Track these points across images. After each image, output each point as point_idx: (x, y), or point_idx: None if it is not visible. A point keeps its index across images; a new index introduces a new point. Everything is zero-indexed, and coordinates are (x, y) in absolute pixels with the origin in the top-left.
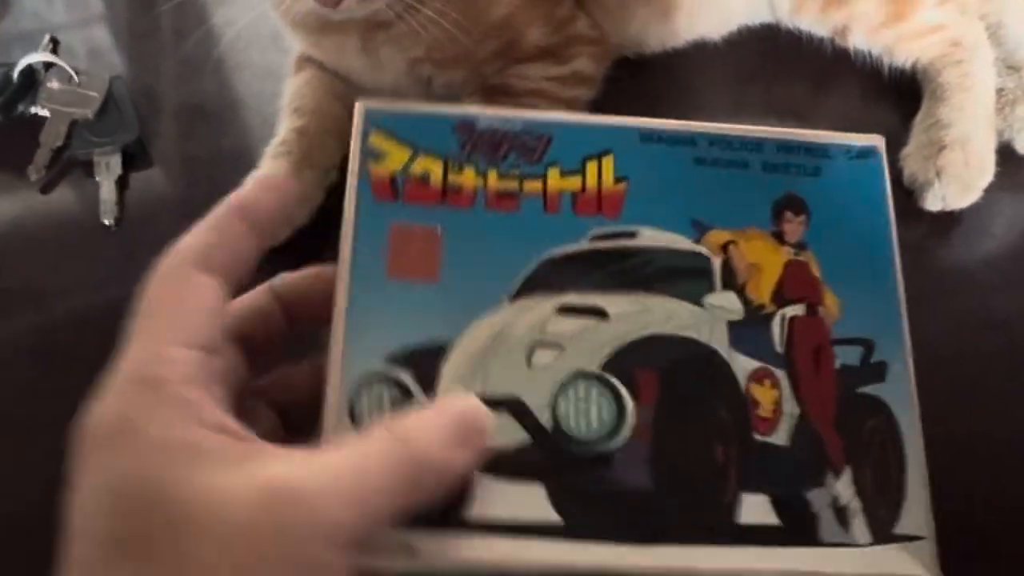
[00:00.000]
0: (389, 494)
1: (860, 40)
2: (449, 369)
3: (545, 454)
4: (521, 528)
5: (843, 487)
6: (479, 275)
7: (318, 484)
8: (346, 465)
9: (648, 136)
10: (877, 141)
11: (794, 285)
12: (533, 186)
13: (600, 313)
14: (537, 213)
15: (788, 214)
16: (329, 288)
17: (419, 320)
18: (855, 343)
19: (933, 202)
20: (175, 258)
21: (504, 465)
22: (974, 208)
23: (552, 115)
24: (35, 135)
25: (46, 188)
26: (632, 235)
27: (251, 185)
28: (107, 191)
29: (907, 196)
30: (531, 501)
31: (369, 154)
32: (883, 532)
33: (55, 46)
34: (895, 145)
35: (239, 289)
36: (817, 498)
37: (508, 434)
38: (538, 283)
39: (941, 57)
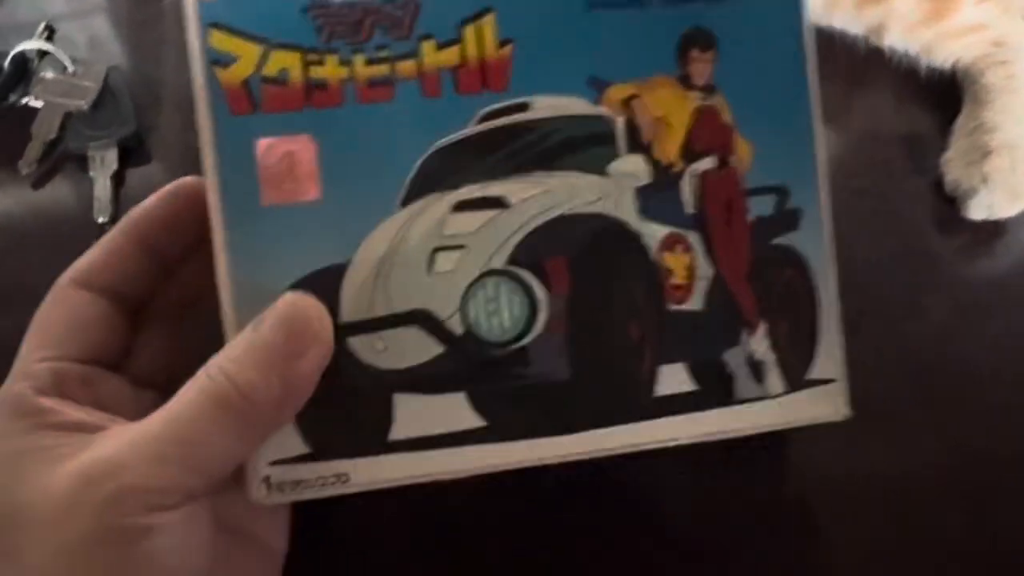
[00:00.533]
0: (217, 437)
1: (897, 39)
2: (348, 292)
3: (461, 362)
4: (446, 438)
5: (757, 343)
6: (363, 183)
7: (133, 451)
8: (163, 424)
9: None
10: None
11: (704, 136)
12: (406, 67)
13: (500, 203)
14: (415, 99)
15: (695, 51)
16: (188, 208)
17: (307, 245)
18: (769, 192)
19: (978, 210)
20: (61, 278)
21: (421, 380)
22: (1020, 218)
23: None
24: (27, 127)
25: (37, 183)
26: (524, 107)
27: (151, 197)
28: (101, 187)
29: (948, 204)
30: (453, 411)
31: (214, 59)
32: (796, 380)
33: (51, 34)
34: (932, 149)
35: (139, 301)
36: (733, 357)
37: (421, 348)
38: (429, 180)
39: (983, 58)
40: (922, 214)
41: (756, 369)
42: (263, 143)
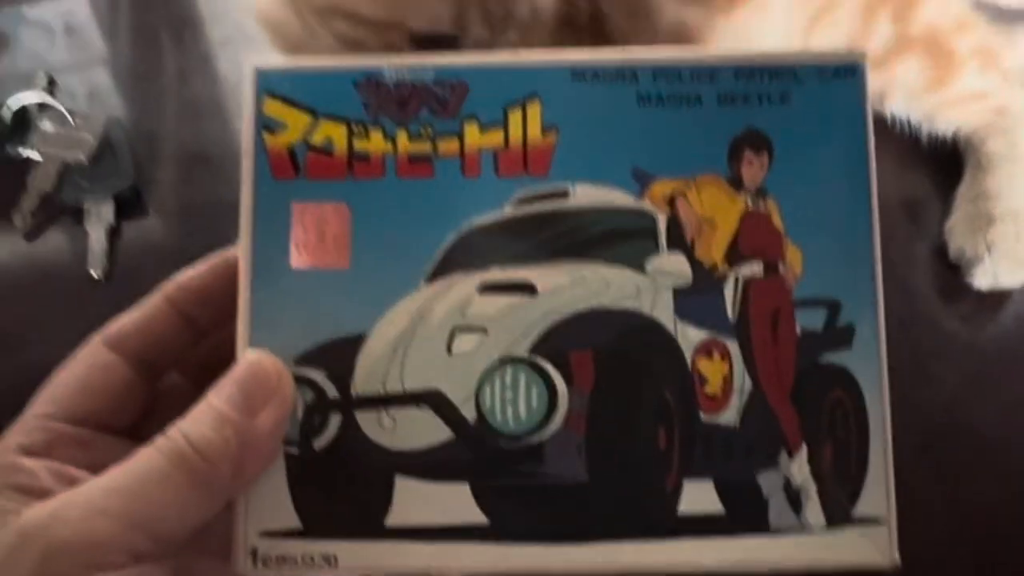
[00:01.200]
0: (169, 495)
1: (899, 105)
2: (363, 364)
3: (469, 450)
4: (445, 532)
5: (797, 468)
6: (393, 255)
7: (72, 506)
8: (110, 479)
9: (581, 74)
10: (859, 56)
11: (752, 240)
12: (448, 146)
13: (528, 288)
14: (455, 177)
15: (748, 153)
16: (229, 283)
17: (329, 312)
18: (819, 304)
19: (983, 279)
20: (99, 334)
21: (426, 465)
22: None
23: (467, 57)
24: (23, 178)
25: (31, 235)
26: (563, 195)
27: (197, 265)
28: (96, 241)
29: (951, 270)
30: (455, 502)
31: (264, 125)
32: (839, 515)
33: (52, 86)
34: (935, 215)
35: (164, 367)
36: (768, 481)
37: (430, 431)
38: (458, 259)
39: (985, 126)
40: (926, 280)
41: (794, 497)
42: (299, 206)
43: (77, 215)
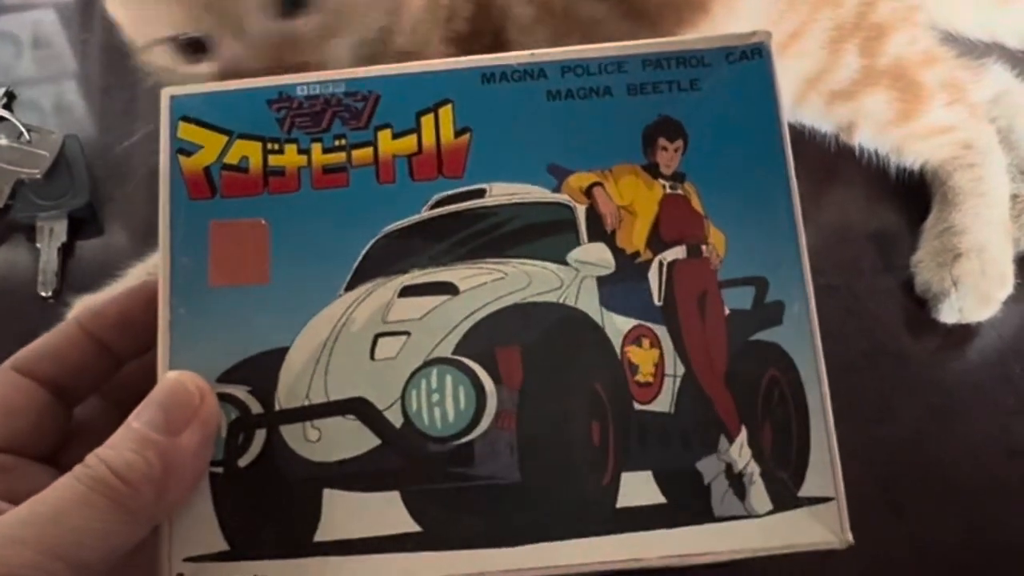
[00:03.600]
0: (90, 521)
1: (867, 138)
2: (286, 377)
3: (397, 457)
4: (377, 543)
5: (738, 452)
6: (312, 266)
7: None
8: (28, 507)
9: (490, 75)
10: (763, 37)
11: (672, 224)
12: (362, 155)
13: (449, 288)
14: (369, 185)
15: (662, 141)
16: (146, 309)
17: (251, 327)
18: (746, 283)
19: (949, 314)
20: (8, 361)
21: (354, 475)
22: (992, 322)
23: (378, 69)
24: None
25: None
26: (480, 194)
27: (113, 292)
28: (47, 260)
29: (918, 304)
30: (386, 512)
31: (179, 148)
32: (785, 497)
33: (9, 100)
34: (902, 247)
35: (82, 393)
36: (708, 467)
37: (356, 440)
38: (376, 265)
39: (952, 159)
40: (893, 313)
41: (737, 482)
42: (215, 224)
43: (30, 233)
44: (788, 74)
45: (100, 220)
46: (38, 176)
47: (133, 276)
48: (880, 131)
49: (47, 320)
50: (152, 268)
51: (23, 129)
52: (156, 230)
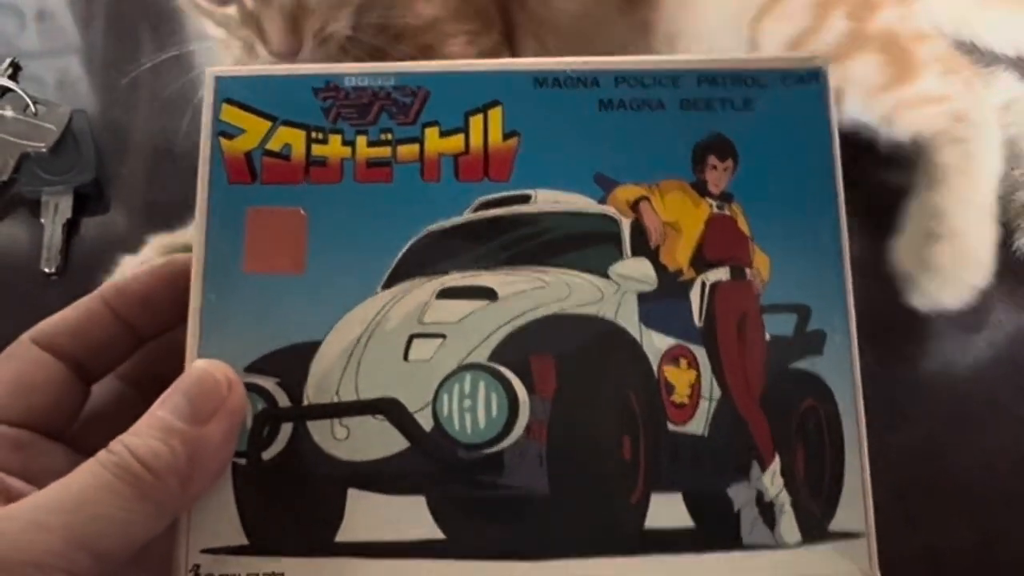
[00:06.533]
0: (113, 509)
1: (855, 106)
2: (316, 372)
3: (425, 461)
4: (399, 548)
5: (770, 480)
6: (349, 260)
7: (9, 521)
8: (52, 492)
9: (543, 79)
10: (822, 62)
11: (717, 244)
12: (408, 151)
13: (488, 293)
14: (414, 183)
15: (712, 159)
16: (171, 288)
17: (283, 318)
18: (788, 310)
19: (921, 299)
20: (28, 332)
21: (380, 477)
22: (1006, 330)
23: (430, 65)
24: None
25: None
26: (525, 199)
27: (139, 269)
28: (51, 235)
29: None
30: (410, 516)
31: (221, 131)
32: (815, 530)
33: (15, 72)
34: (888, 230)
35: (101, 371)
36: (739, 494)
37: (384, 441)
38: (415, 264)
39: (941, 133)
40: (906, 319)
41: (767, 511)
42: (254, 211)
43: (34, 208)
44: (772, 38)
45: (106, 197)
46: (44, 150)
47: (153, 247)
48: (869, 97)
49: (48, 297)
50: (168, 243)
51: (29, 101)
52: (158, 209)
